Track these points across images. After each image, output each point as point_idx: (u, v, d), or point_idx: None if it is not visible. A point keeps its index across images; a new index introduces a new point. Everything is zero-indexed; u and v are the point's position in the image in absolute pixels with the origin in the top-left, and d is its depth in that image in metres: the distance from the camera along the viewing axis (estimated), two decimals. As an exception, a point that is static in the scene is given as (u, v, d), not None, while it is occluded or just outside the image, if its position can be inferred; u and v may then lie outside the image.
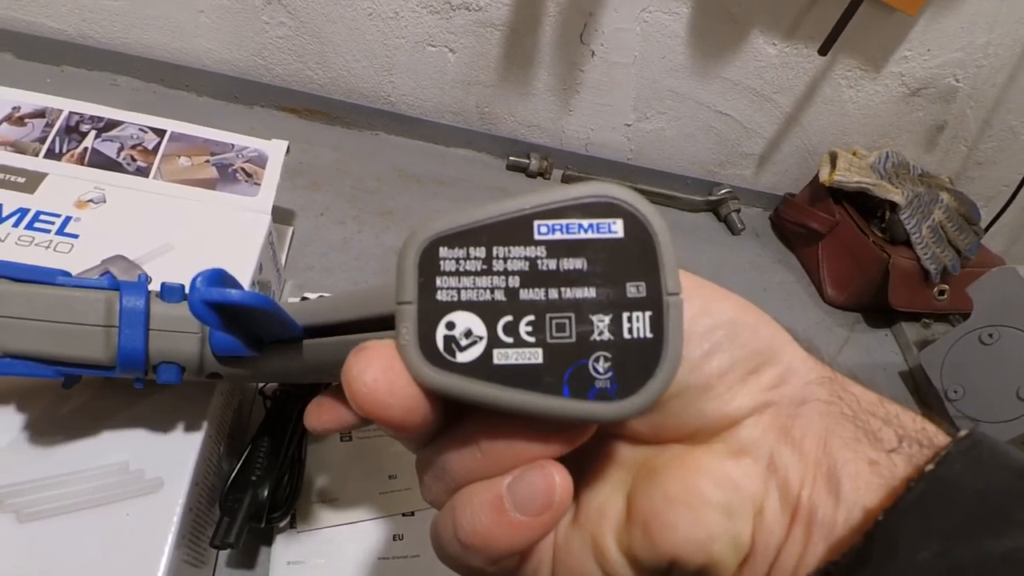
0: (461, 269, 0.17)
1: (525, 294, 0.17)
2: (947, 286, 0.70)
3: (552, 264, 0.17)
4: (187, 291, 0.27)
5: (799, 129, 0.75)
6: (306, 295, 0.51)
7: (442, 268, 0.17)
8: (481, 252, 0.17)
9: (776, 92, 0.71)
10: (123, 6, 0.60)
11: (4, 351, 0.25)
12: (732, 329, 0.19)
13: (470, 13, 0.61)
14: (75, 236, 0.40)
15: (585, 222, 0.17)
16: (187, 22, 0.61)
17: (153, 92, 0.62)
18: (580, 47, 0.65)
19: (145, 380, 0.30)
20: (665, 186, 0.75)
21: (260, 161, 0.47)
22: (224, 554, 0.38)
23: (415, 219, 0.61)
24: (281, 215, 0.45)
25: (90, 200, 0.42)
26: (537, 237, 0.17)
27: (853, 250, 0.71)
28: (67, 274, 0.27)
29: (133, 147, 0.45)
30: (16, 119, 0.44)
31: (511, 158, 0.71)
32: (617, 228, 0.17)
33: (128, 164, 0.44)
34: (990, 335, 0.58)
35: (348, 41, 0.63)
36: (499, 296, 0.17)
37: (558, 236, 0.17)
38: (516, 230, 0.17)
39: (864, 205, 0.72)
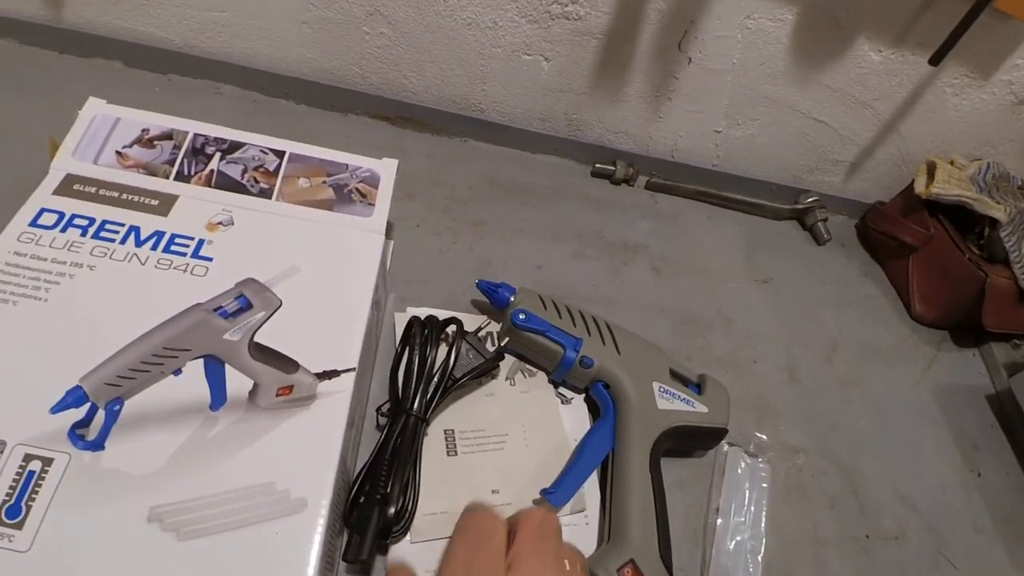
0: None
1: None
2: (1045, 307, 0.67)
3: None
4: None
5: (896, 136, 0.72)
6: (409, 309, 0.52)
7: None
8: None
9: (876, 99, 0.68)
10: (229, 17, 0.61)
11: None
12: None
13: (569, 22, 0.60)
14: (209, 259, 0.42)
15: None
16: (289, 33, 0.62)
17: (254, 100, 0.64)
18: (677, 54, 0.63)
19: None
20: (750, 193, 0.74)
21: (373, 181, 0.48)
22: (344, 564, 0.41)
23: (506, 229, 0.62)
24: (382, 228, 0.47)
25: (219, 222, 0.43)
26: None
27: (947, 266, 0.68)
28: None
29: (256, 168, 0.46)
30: (146, 141, 0.46)
31: (596, 165, 0.70)
32: None
33: (252, 186, 0.46)
34: (1095, 363, 0.56)
35: (445, 50, 0.63)
36: None
37: None
38: None
39: (961, 219, 0.69)
